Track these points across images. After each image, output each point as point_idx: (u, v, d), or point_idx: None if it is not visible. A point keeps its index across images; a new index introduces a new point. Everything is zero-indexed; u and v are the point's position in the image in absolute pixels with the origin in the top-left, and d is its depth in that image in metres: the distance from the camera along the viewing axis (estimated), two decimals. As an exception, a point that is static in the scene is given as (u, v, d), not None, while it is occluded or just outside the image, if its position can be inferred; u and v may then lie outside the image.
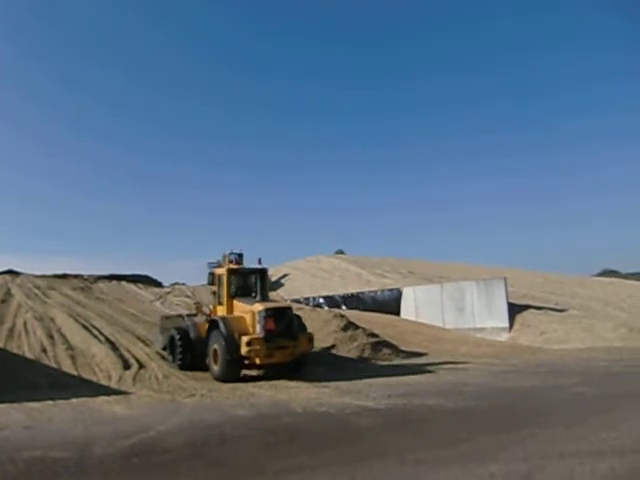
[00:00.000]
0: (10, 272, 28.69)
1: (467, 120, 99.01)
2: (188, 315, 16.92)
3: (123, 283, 29.52)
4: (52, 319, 18.63)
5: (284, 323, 13.45)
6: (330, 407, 9.26)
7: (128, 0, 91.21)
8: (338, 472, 5.49)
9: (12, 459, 6.12)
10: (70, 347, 15.58)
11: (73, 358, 14.68)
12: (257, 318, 13.21)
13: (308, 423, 8.15)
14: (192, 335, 15.02)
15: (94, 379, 13.23)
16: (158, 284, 32.31)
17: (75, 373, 13.65)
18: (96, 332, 17.18)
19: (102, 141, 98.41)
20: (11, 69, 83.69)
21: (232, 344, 13.04)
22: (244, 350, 12.87)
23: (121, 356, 14.96)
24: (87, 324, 18.18)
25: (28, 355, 14.85)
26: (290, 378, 13.04)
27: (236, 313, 14.13)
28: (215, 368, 13.54)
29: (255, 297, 14.63)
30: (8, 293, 22.95)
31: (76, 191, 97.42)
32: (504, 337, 22.94)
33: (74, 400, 10.56)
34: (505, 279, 24.15)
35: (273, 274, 36.28)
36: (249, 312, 13.56)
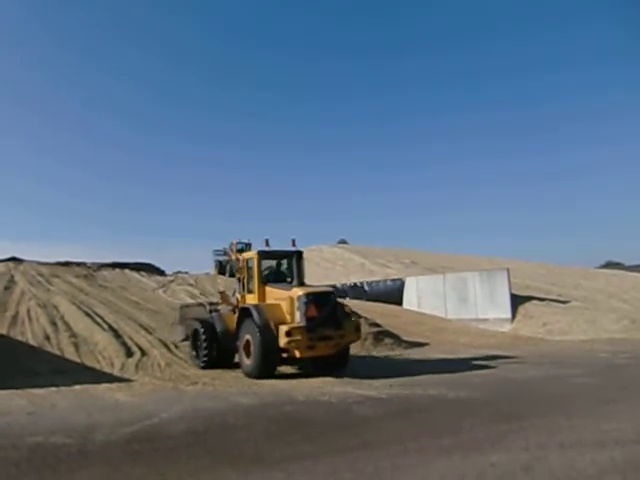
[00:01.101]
0: (13, 259, 28.73)
1: (464, 98, 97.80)
2: (210, 304, 15.61)
3: (126, 271, 29.57)
4: (55, 306, 18.69)
5: (327, 310, 11.87)
6: (332, 396, 9.28)
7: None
8: (340, 460, 5.49)
9: (15, 445, 6.15)
10: (73, 334, 15.64)
11: (76, 345, 14.74)
12: (297, 304, 11.67)
13: (310, 412, 8.17)
14: (218, 328, 13.56)
15: (97, 366, 13.29)
16: (161, 272, 32.29)
17: (78, 360, 13.72)
18: (99, 320, 17.23)
19: (111, 119, 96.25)
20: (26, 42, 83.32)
21: (268, 335, 11.57)
22: (283, 341, 11.33)
23: (124, 344, 15.01)
24: (90, 312, 18.24)
25: (31, 342, 14.91)
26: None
27: (269, 301, 12.61)
28: (247, 363, 12.10)
29: (291, 282, 12.99)
30: (11, 280, 23.02)
31: (83, 172, 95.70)
32: (506, 328, 22.95)
33: (77, 387, 10.62)
34: (508, 270, 24.13)
35: None
36: (286, 298, 12.00)
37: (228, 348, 13.19)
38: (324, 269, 35.81)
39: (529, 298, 24.82)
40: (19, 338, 15.25)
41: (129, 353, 14.32)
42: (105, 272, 28.33)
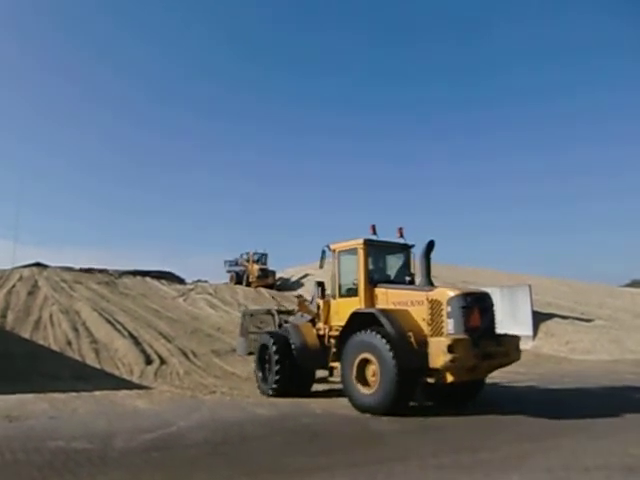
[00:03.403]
0: (38, 265, 29.28)
1: (475, 121, 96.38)
2: (279, 312, 13.22)
3: (147, 279, 29.89)
4: (77, 312, 18.97)
5: (488, 318, 9.17)
6: (350, 409, 9.20)
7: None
8: (357, 474, 5.45)
9: (38, 449, 6.23)
10: (94, 340, 15.85)
11: (97, 351, 14.93)
12: (447, 310, 8.59)
13: (328, 424, 8.13)
14: (295, 343, 10.63)
15: (116, 373, 13.44)
16: (181, 281, 32.58)
17: (98, 366, 13.89)
18: (120, 327, 17.44)
19: (133, 125, 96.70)
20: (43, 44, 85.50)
21: (409, 351, 8.50)
22: (440, 360, 8.21)
23: (143, 351, 15.16)
24: (111, 318, 18.46)
25: (53, 347, 15.15)
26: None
27: (382, 306, 9.61)
28: (365, 393, 8.89)
29: (411, 282, 10.44)
30: (35, 285, 23.43)
31: (107, 179, 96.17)
32: (528, 345, 22.53)
33: (97, 393, 10.72)
34: (530, 286, 23.77)
35: (294, 274, 36.31)
36: (422, 302, 9.00)
37: (307, 370, 10.89)
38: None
39: (551, 315, 24.40)
40: (41, 342, 15.51)
41: (148, 361, 14.45)
42: (126, 279, 28.67)
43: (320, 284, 11.21)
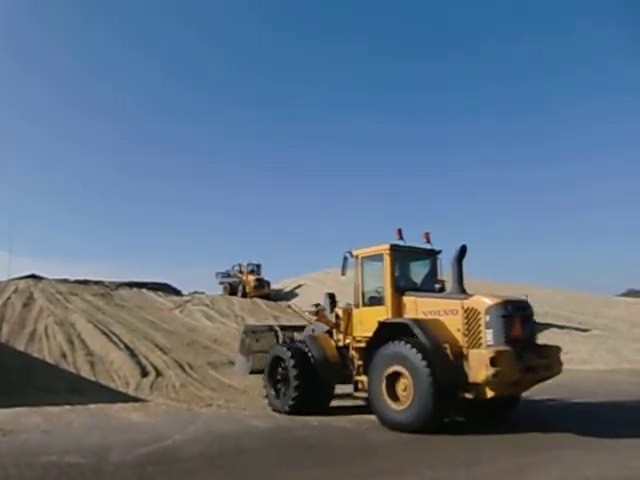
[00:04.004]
0: (33, 276, 29.13)
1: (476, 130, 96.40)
2: (282, 327, 12.51)
3: (143, 290, 29.77)
4: (73, 324, 18.85)
5: (529, 328, 8.75)
6: (347, 421, 9.16)
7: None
8: (355, 488, 5.40)
9: (30, 463, 6.15)
10: (89, 353, 15.74)
11: (92, 364, 14.82)
12: (486, 319, 8.03)
13: (324, 437, 8.08)
14: (314, 355, 9.97)
15: (112, 385, 13.33)
16: (177, 292, 32.49)
17: (93, 379, 13.77)
18: (115, 339, 17.33)
19: (127, 137, 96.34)
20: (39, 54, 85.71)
21: (446, 364, 7.96)
22: (482, 374, 7.59)
23: (139, 363, 15.05)
24: (107, 330, 18.35)
25: (48, 359, 15.03)
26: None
27: (410, 315, 9.04)
28: (397, 409, 8.29)
29: (441, 290, 9.71)
30: (31, 297, 23.29)
31: (103, 191, 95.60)
32: (525, 356, 22.49)
33: (92, 406, 10.63)
34: (526, 296, 23.73)
35: (287, 285, 36.29)
36: (456, 311, 8.44)
37: (326, 385, 10.22)
38: (339, 292, 35.72)
39: (548, 325, 24.37)
40: (36, 355, 15.39)
41: (144, 373, 14.34)
42: (122, 291, 28.55)
43: (331, 296, 10.92)
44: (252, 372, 11.98)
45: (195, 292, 33.30)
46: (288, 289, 35.28)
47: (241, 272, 33.53)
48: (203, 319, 23.70)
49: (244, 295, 31.24)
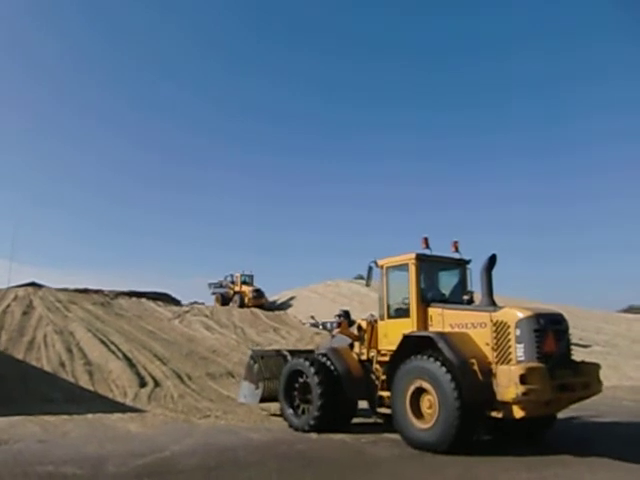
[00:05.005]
0: (33, 284, 29.07)
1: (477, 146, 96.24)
2: (291, 352, 11.68)
3: (143, 300, 29.69)
4: (72, 333, 18.77)
5: (563, 344, 8.16)
6: (346, 435, 9.09)
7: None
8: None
9: (26, 473, 6.11)
10: (88, 362, 15.66)
11: (90, 373, 14.74)
12: (516, 333, 7.61)
13: (323, 450, 8.03)
14: (339, 369, 9.53)
15: (110, 395, 13.25)
16: (177, 302, 32.41)
17: (92, 388, 13.70)
18: (114, 348, 17.25)
19: (129, 143, 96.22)
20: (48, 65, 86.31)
21: (473, 381, 7.51)
22: (512, 392, 7.13)
23: (137, 373, 14.98)
24: (106, 340, 18.28)
25: (46, 368, 14.95)
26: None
27: (436, 328, 8.70)
28: (421, 427, 7.91)
29: (470, 302, 9.05)
30: (30, 305, 23.23)
31: (106, 200, 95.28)
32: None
33: (89, 415, 10.57)
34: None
35: (280, 297, 36.43)
36: (486, 324, 8.05)
37: (350, 401, 9.80)
38: (340, 305, 35.64)
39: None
40: (34, 363, 15.30)
41: (142, 383, 14.27)
42: (122, 300, 28.48)
43: (346, 312, 10.61)
44: (262, 401, 11.36)
45: (194, 302, 33.25)
46: (280, 301, 35.50)
47: (233, 283, 34.00)
48: (202, 329, 23.61)
49: (242, 305, 31.51)
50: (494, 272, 8.73)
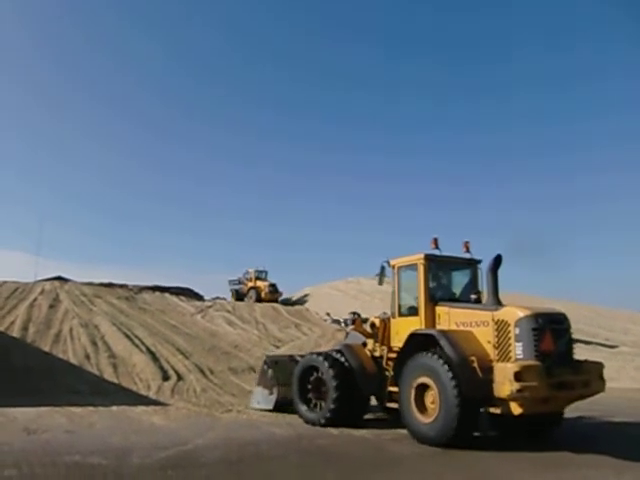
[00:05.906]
0: (59, 278, 29.63)
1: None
2: (302, 357, 11.39)
3: (166, 295, 30.04)
4: (96, 326, 19.10)
5: (564, 343, 8.38)
6: (367, 431, 9.07)
7: None
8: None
9: (54, 462, 6.24)
10: (112, 355, 15.92)
11: (114, 366, 14.98)
12: (516, 332, 7.83)
13: (344, 446, 8.03)
14: (354, 365, 9.75)
15: (134, 388, 13.45)
16: (200, 297, 32.70)
17: (116, 381, 13.92)
18: (138, 342, 17.51)
19: (155, 137, 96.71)
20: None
21: (471, 377, 7.69)
22: (507, 389, 7.28)
23: (161, 367, 15.18)
24: (130, 333, 18.56)
25: (72, 360, 15.24)
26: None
27: (443, 327, 8.89)
28: (424, 422, 8.12)
29: (477, 301, 9.15)
30: (57, 299, 23.69)
31: (130, 195, 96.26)
32: (549, 371, 22.03)
33: (114, 408, 10.73)
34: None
35: (292, 296, 36.58)
36: (487, 323, 8.32)
37: (364, 396, 10.02)
38: (362, 302, 35.56)
39: (574, 341, 23.88)
40: (61, 356, 15.61)
41: (165, 377, 14.45)
42: (146, 295, 28.86)
43: (355, 314, 10.83)
44: (276, 406, 11.22)
45: (217, 298, 33.54)
46: (295, 298, 35.76)
47: (249, 279, 34.54)
48: (224, 325, 23.82)
49: (259, 300, 32.07)
50: (499, 271, 8.83)
